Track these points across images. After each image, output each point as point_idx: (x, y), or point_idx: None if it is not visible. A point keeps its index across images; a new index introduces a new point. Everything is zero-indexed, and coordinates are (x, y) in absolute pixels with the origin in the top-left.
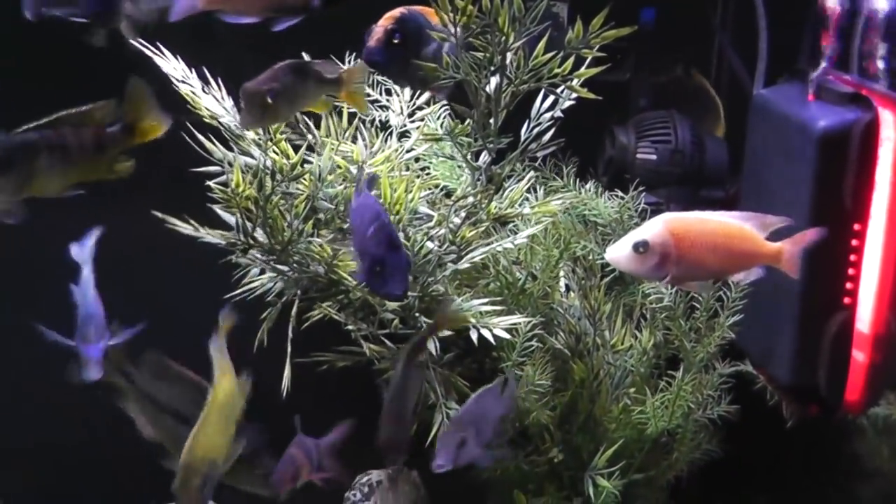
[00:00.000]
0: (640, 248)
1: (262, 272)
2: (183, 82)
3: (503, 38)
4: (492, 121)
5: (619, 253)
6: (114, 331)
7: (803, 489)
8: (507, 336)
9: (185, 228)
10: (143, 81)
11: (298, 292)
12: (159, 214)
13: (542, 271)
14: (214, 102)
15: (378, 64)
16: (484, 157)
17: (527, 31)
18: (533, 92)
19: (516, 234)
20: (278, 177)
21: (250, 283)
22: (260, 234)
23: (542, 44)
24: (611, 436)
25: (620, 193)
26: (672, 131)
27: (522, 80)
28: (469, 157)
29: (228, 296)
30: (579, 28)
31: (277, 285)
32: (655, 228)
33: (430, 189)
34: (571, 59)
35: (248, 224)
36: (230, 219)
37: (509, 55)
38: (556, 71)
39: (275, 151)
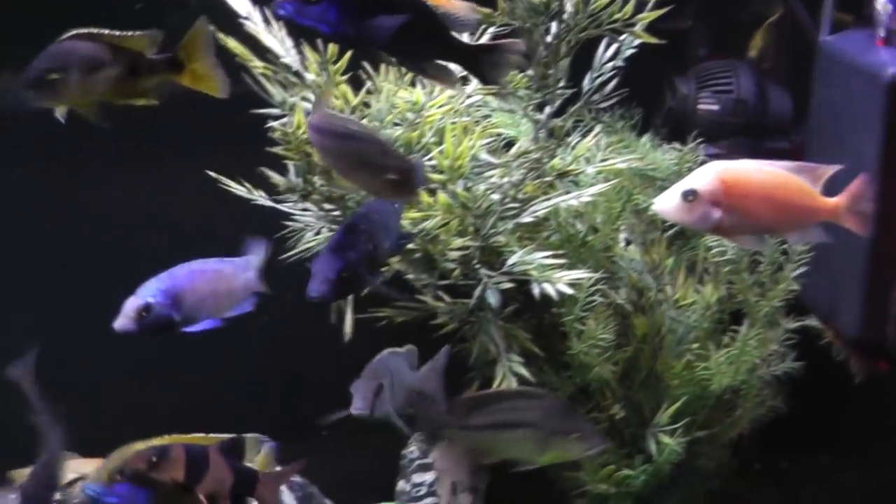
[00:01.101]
0: (689, 196)
1: (319, 233)
2: (247, 19)
3: None
4: (551, 71)
5: (667, 202)
6: None
7: (868, 449)
8: (569, 291)
9: (239, 189)
10: (209, 25)
11: None
12: (213, 174)
13: (604, 224)
14: (276, 42)
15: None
16: (547, 110)
17: None
18: (594, 40)
19: (578, 185)
20: None
21: (306, 244)
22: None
23: None
24: (673, 392)
25: (679, 146)
26: (734, 80)
27: (581, 26)
28: (530, 109)
29: (284, 255)
30: None
31: None
32: (706, 177)
33: (491, 137)
34: (632, 3)
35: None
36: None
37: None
38: (617, 16)
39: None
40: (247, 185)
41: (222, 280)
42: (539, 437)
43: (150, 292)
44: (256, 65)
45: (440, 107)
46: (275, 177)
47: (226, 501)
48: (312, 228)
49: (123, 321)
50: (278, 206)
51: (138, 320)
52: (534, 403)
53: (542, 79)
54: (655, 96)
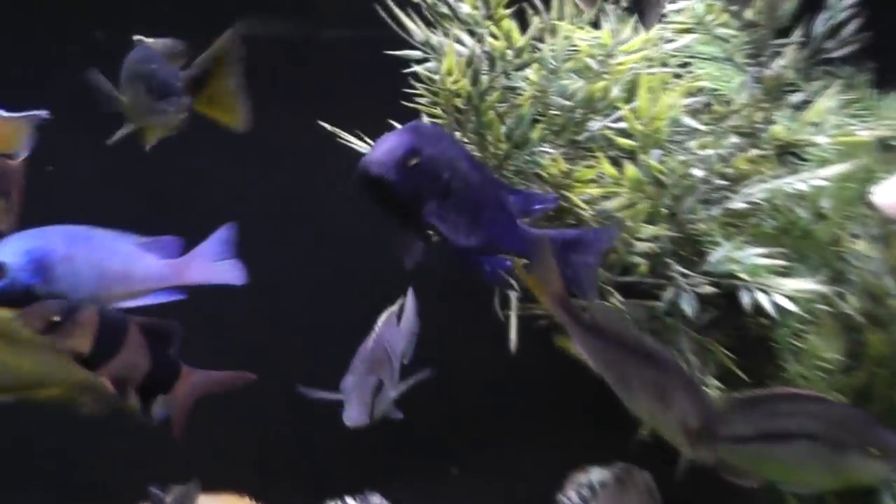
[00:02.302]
0: None
1: None
2: None
3: None
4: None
5: (886, 194)
6: None
7: None
8: (789, 306)
9: (361, 146)
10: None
11: None
12: (328, 126)
13: (833, 210)
14: None
15: None
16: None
17: None
18: None
19: (802, 158)
20: (498, 66)
21: None
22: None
23: None
24: None
25: None
26: None
27: None
28: (743, 58)
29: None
30: None
31: None
32: None
33: (693, 94)
34: None
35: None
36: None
37: None
38: None
39: (493, 35)
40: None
41: (116, 258)
42: (824, 453)
43: (11, 251)
44: None
45: (632, 52)
46: None
47: (132, 391)
48: None
49: None
50: None
51: None
52: (816, 408)
53: (759, 19)
54: None
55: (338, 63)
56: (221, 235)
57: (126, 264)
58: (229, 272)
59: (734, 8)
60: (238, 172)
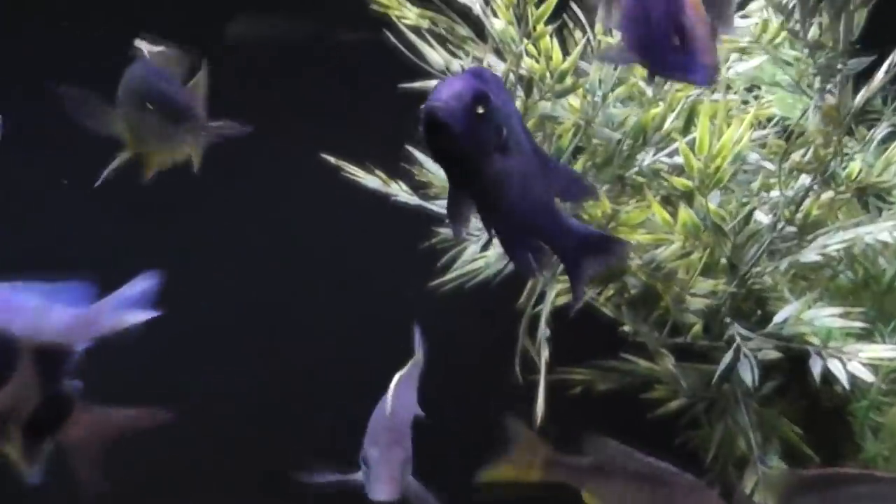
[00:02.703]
0: None
1: (487, 247)
2: None
3: None
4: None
5: None
6: None
7: None
8: (867, 377)
9: (371, 181)
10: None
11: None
12: (331, 159)
13: None
14: None
15: None
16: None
17: None
18: None
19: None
20: (535, 91)
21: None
22: None
23: None
24: None
25: None
26: None
27: None
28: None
29: (436, 282)
30: None
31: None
32: None
33: (762, 123)
34: None
35: None
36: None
37: None
38: None
39: (531, 56)
40: (381, 175)
41: (19, 319)
42: None
43: None
44: (408, 16)
45: None
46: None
47: (15, 431)
48: (477, 240)
49: None
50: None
51: None
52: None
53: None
54: None
55: (343, 73)
56: (140, 283)
57: (31, 325)
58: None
59: (794, 27)
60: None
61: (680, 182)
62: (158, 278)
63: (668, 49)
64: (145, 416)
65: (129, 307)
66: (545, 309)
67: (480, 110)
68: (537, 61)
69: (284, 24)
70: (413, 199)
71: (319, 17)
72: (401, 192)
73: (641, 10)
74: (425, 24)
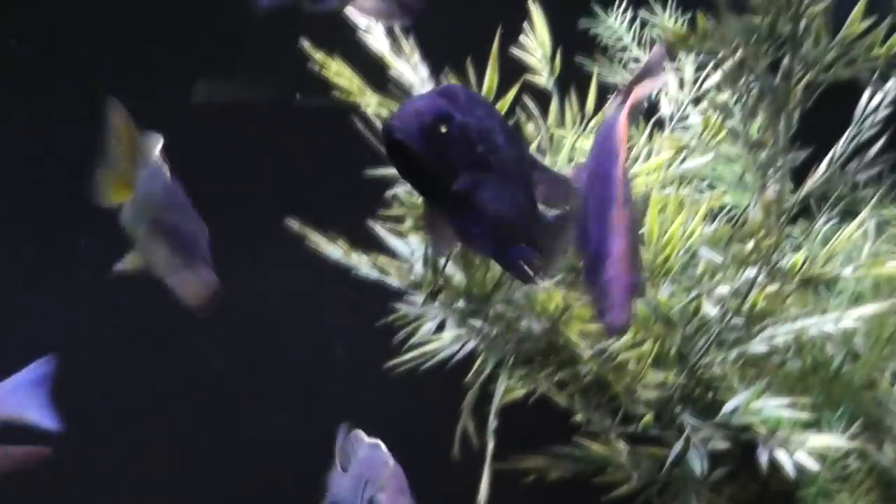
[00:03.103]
0: None
1: (442, 327)
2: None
3: None
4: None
5: None
6: None
7: None
8: (812, 466)
9: (333, 251)
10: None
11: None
12: (296, 226)
13: (869, 349)
14: (408, 69)
15: None
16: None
17: None
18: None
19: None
20: None
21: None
22: (454, 273)
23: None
24: None
25: None
26: None
27: (823, 63)
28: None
29: (391, 364)
30: None
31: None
32: None
33: (713, 214)
34: None
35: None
36: (404, 247)
37: (803, 23)
38: (878, 52)
39: None
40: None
41: None
42: None
43: None
44: (370, 103)
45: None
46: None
47: None
48: (433, 318)
49: None
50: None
51: None
52: None
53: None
54: None
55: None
56: (35, 370)
57: None
58: (38, 414)
59: (734, 125)
60: None
61: None
62: (55, 362)
63: (591, 274)
64: (21, 454)
65: (26, 391)
66: (495, 401)
67: (443, 129)
68: None
69: (248, 88)
70: (373, 273)
71: (280, 82)
72: (362, 264)
73: (581, 226)
74: (385, 112)
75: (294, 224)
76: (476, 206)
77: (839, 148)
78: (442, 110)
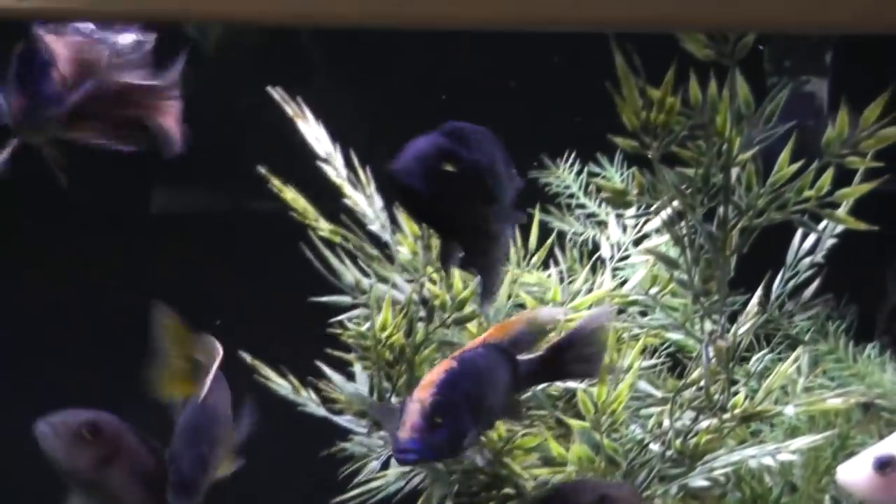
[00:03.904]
0: (887, 466)
1: (386, 465)
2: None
3: (724, 145)
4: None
5: (853, 474)
6: None
7: None
8: None
9: (281, 387)
10: None
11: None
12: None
13: (807, 479)
14: (362, 199)
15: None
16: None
17: (762, 135)
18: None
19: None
20: (436, 317)
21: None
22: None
23: (786, 152)
24: None
25: None
26: None
27: (756, 207)
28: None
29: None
30: (843, 122)
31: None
32: None
33: (655, 348)
34: (829, 175)
35: (387, 385)
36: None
37: (735, 171)
38: (808, 193)
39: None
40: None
41: None
42: None
43: None
44: (322, 227)
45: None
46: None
47: None
48: (378, 456)
49: None
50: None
51: None
52: None
53: (705, 283)
54: (877, 293)
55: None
56: None
57: None
58: None
59: (681, 278)
60: None
61: (575, 424)
62: None
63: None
64: None
65: None
66: None
67: (448, 168)
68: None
69: (204, 198)
70: (320, 411)
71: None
72: (310, 401)
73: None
74: (337, 238)
75: (246, 357)
76: (492, 241)
77: (775, 288)
78: (447, 149)
